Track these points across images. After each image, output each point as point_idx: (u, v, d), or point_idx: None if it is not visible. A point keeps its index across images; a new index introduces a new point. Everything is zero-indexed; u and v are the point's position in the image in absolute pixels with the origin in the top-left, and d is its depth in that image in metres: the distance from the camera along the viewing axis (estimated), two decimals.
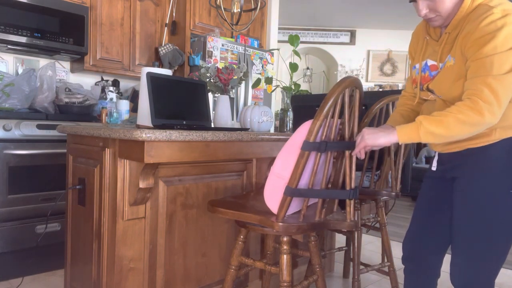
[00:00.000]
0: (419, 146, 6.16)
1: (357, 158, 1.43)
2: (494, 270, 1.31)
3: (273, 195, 1.37)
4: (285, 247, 1.50)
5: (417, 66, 1.41)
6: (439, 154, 1.45)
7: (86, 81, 3.39)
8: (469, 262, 1.32)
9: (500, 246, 1.28)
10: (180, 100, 1.87)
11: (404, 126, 1.25)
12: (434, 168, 1.48)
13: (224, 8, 2.71)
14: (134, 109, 3.25)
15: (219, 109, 2.11)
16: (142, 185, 1.54)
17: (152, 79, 1.74)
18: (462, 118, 1.14)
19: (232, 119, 2.34)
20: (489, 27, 1.13)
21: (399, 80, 7.19)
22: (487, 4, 1.19)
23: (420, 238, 1.53)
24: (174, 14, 3.66)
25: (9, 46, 2.78)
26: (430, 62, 1.34)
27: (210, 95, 2.28)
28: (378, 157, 2.04)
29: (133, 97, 3.47)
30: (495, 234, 1.26)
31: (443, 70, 1.28)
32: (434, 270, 1.55)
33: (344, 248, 2.48)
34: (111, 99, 3.28)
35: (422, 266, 1.55)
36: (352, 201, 1.39)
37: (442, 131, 1.18)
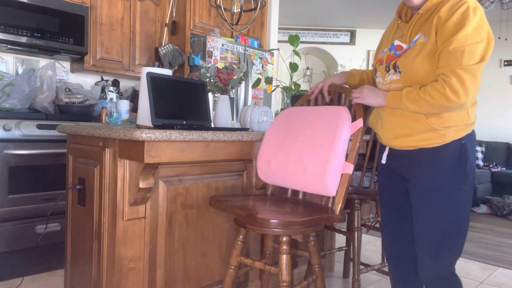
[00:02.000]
0: None
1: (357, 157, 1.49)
2: (455, 260, 1.41)
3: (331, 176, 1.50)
4: (284, 247, 1.50)
5: (385, 50, 1.50)
6: (390, 149, 1.53)
7: (86, 81, 3.39)
8: (433, 255, 1.40)
9: (458, 238, 1.38)
10: (180, 100, 1.87)
11: (392, 95, 1.39)
12: (384, 161, 1.57)
13: (224, 8, 2.71)
14: (134, 109, 3.25)
15: (219, 109, 2.12)
16: (142, 185, 1.54)
17: (152, 79, 1.74)
18: (431, 101, 1.28)
19: (232, 119, 2.34)
20: (463, 15, 1.25)
21: None
22: None
23: (391, 235, 1.61)
24: (174, 14, 3.66)
25: (9, 46, 2.78)
26: (397, 43, 1.43)
27: (210, 95, 2.28)
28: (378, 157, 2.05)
29: (133, 97, 3.47)
30: (453, 228, 1.36)
31: (413, 47, 1.36)
32: (414, 264, 1.59)
33: (344, 248, 2.48)
34: (111, 99, 3.28)
35: (401, 261, 1.61)
36: None
37: (415, 108, 1.33)
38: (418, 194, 1.41)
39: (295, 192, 1.79)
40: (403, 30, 1.44)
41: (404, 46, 1.39)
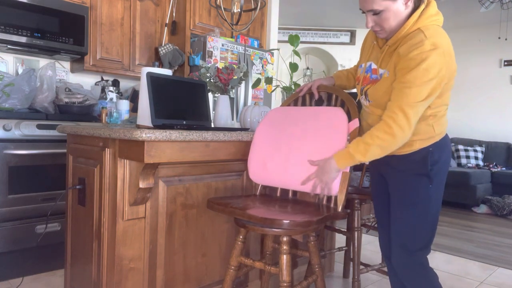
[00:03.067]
0: None
1: None
2: (424, 253, 1.53)
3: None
4: (284, 247, 1.50)
5: (363, 65, 1.60)
6: None
7: (86, 81, 3.39)
8: (401, 247, 1.52)
9: (426, 232, 1.51)
10: (180, 100, 1.87)
11: (341, 157, 1.50)
12: (367, 162, 1.68)
13: (224, 8, 2.71)
14: (134, 109, 3.25)
15: (219, 109, 2.12)
16: (142, 185, 1.54)
17: (152, 79, 1.74)
18: (381, 144, 1.40)
19: (232, 119, 2.34)
20: (417, 57, 1.33)
21: None
22: (423, 32, 1.37)
23: (382, 236, 1.69)
24: (174, 14, 3.66)
25: (9, 46, 2.78)
26: (373, 66, 1.54)
27: (210, 95, 2.28)
28: None
29: (133, 97, 3.47)
30: (420, 223, 1.50)
31: (381, 81, 1.48)
32: None
33: (344, 248, 2.48)
34: (111, 99, 3.28)
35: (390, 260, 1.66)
36: None
37: (368, 158, 1.45)
38: (392, 193, 1.56)
39: (285, 192, 1.80)
40: (377, 54, 1.53)
41: (379, 71, 1.50)
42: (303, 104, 1.89)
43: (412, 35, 1.39)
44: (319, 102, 1.84)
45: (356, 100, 1.69)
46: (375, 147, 1.41)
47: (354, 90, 1.80)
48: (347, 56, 7.27)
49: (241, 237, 1.63)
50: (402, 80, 1.36)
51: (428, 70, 1.32)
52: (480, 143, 6.07)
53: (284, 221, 1.36)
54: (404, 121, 1.36)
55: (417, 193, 1.49)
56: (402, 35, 1.41)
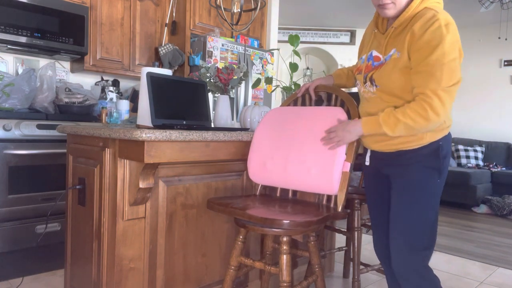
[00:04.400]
0: None
1: (357, 158, 1.59)
2: (427, 253, 1.46)
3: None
4: (284, 247, 1.50)
5: (364, 57, 1.55)
6: (372, 151, 1.59)
7: (86, 81, 3.39)
8: (405, 244, 1.45)
9: (429, 229, 1.45)
10: (180, 100, 1.87)
11: (369, 122, 1.43)
12: (367, 163, 1.63)
13: (224, 8, 2.71)
14: (134, 109, 3.25)
15: (219, 109, 2.12)
16: (142, 185, 1.54)
17: (152, 79, 1.74)
18: (412, 124, 1.33)
19: (232, 119, 2.34)
20: (436, 33, 1.28)
21: None
22: (433, 9, 1.34)
23: (379, 238, 1.64)
24: (174, 14, 3.66)
25: (9, 46, 2.78)
26: (375, 53, 1.48)
27: (210, 95, 2.28)
28: None
29: (133, 97, 3.47)
30: (424, 218, 1.43)
31: (388, 62, 1.41)
32: None
33: (344, 248, 2.47)
34: (111, 99, 3.28)
35: (388, 263, 1.63)
36: None
37: (395, 133, 1.38)
38: (396, 188, 1.48)
39: (285, 191, 1.80)
40: (379, 41, 1.48)
41: (381, 57, 1.44)
42: (303, 104, 1.89)
43: (422, 13, 1.34)
44: (319, 102, 1.84)
45: (352, 86, 1.67)
46: (403, 126, 1.35)
47: (354, 90, 1.80)
48: (347, 56, 7.27)
49: (241, 237, 1.63)
50: (430, 62, 1.29)
51: (452, 45, 1.28)
52: (480, 143, 6.07)
53: (284, 221, 1.36)
54: (440, 106, 1.29)
55: (425, 188, 1.43)
56: (409, 15, 1.36)
